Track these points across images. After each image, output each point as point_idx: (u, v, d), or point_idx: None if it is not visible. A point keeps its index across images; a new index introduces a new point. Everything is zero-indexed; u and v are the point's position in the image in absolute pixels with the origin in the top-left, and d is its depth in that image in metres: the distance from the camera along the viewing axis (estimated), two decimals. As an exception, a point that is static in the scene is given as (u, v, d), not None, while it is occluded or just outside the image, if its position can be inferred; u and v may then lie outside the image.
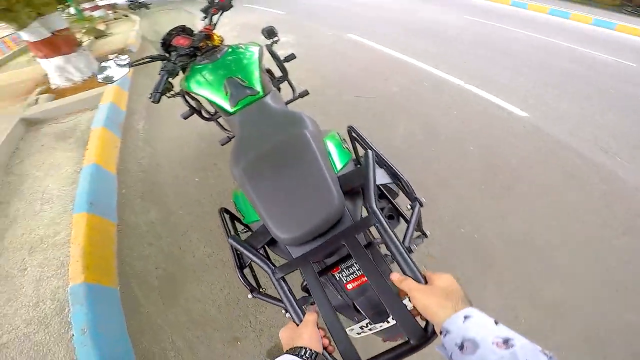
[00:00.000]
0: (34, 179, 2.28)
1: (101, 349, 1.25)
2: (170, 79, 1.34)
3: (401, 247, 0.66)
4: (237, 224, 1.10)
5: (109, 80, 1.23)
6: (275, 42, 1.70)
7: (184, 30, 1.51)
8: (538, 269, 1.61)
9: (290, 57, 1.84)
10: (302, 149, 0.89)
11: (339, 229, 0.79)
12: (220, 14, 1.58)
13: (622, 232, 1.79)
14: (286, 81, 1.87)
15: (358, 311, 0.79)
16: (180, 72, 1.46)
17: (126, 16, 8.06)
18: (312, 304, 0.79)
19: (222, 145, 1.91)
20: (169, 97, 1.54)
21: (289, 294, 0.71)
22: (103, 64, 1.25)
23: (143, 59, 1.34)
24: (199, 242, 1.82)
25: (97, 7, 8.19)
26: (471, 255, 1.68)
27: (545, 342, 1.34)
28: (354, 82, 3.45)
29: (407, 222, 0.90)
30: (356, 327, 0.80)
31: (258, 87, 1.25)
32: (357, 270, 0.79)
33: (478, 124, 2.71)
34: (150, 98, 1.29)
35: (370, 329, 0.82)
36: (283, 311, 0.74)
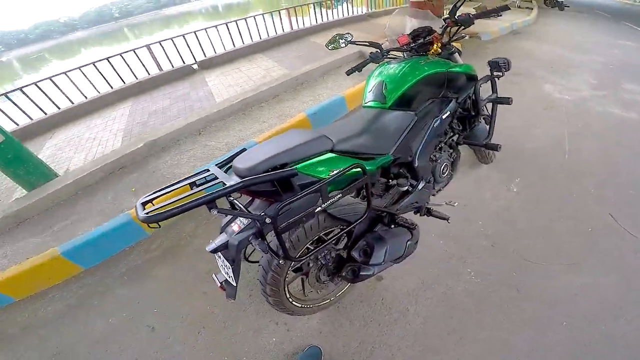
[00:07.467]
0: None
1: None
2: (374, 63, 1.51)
3: None
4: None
5: (335, 48, 1.53)
6: (498, 77, 1.50)
7: (424, 31, 1.48)
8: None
9: (505, 101, 1.50)
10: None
11: None
12: (458, 29, 1.47)
13: None
14: (485, 122, 1.66)
15: None
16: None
17: (530, 9, 7.34)
18: None
19: None
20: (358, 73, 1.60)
21: None
22: (335, 36, 1.52)
23: (363, 42, 1.50)
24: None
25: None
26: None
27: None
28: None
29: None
30: None
31: (389, 100, 1.24)
32: None
33: None
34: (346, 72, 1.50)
35: None
36: None
